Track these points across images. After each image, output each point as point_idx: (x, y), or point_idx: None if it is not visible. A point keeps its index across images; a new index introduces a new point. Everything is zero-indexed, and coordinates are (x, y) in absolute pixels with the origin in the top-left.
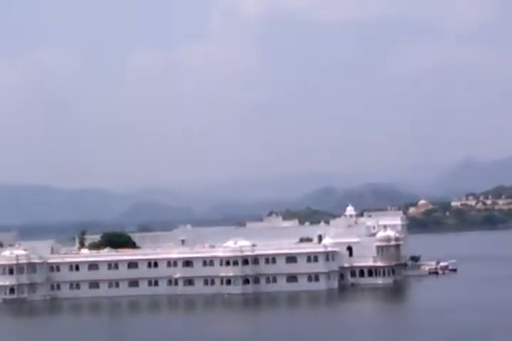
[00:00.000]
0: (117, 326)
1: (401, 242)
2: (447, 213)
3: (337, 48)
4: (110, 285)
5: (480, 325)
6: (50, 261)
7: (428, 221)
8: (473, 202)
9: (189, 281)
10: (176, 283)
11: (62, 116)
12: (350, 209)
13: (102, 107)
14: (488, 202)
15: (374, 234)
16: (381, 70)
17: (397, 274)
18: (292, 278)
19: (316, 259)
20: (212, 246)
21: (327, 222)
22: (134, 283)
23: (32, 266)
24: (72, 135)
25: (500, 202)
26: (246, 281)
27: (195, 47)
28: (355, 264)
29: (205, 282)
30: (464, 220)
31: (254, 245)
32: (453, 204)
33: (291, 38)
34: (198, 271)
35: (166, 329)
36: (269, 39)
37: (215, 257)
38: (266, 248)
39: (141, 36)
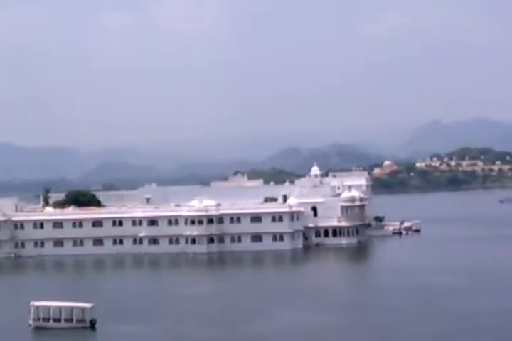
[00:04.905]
0: (81, 284)
1: (365, 202)
2: (412, 174)
3: (314, 7)
4: (75, 244)
5: (441, 285)
6: (14, 218)
7: (393, 182)
8: (437, 163)
9: (154, 240)
10: (141, 242)
11: (28, 73)
12: (315, 170)
13: (71, 66)
14: (452, 163)
15: (339, 195)
16: (357, 30)
17: (361, 234)
18: (257, 237)
19: (280, 219)
20: (177, 205)
21: (292, 182)
22: (98, 241)
23: None
24: (37, 94)
25: (464, 163)
26: (211, 240)
27: (164, 7)
28: (319, 224)
29: (170, 241)
30: (428, 181)
31: (219, 204)
32: (417, 165)
33: None
34: (162, 229)
35: (130, 287)
36: None
37: (180, 216)
38: (231, 207)
39: None
